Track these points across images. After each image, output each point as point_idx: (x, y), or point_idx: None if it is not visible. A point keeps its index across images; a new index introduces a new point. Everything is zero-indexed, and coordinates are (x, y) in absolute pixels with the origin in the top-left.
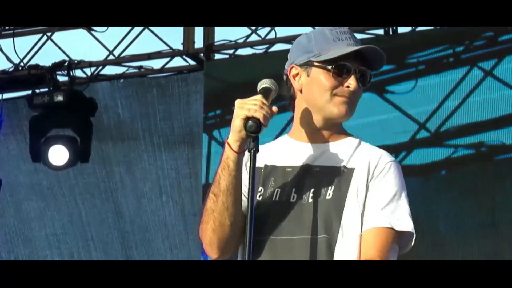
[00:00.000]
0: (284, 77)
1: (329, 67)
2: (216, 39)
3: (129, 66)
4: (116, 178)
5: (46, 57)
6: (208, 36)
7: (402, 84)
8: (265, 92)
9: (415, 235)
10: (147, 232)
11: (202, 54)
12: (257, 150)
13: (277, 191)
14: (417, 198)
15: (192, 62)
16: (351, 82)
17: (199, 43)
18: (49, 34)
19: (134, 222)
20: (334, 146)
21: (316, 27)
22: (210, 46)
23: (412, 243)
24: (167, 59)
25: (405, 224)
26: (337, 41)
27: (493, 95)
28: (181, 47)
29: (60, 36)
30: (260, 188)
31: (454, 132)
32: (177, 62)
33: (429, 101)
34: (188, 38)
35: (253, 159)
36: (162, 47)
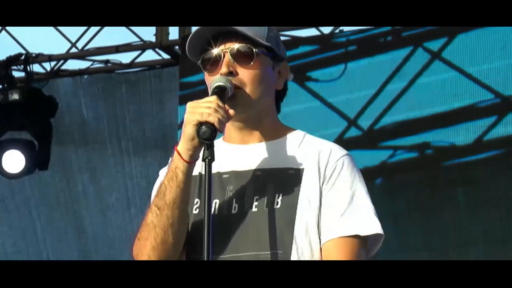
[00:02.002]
0: None
1: (202, 66)
2: (193, 30)
3: (94, 60)
4: (78, 188)
5: (0, 50)
6: (184, 27)
7: (327, 70)
8: (220, 92)
9: (383, 236)
10: (112, 250)
11: (177, 47)
12: (212, 159)
13: (215, 202)
14: None
15: (166, 56)
16: (223, 69)
17: (174, 34)
18: None
19: (98, 238)
20: (274, 144)
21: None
22: (186, 38)
23: (380, 245)
24: (138, 52)
25: (371, 226)
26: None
27: (442, 83)
28: (153, 39)
29: (15, 27)
30: (196, 200)
31: (392, 130)
32: (149, 55)
33: (361, 92)
34: (162, 29)
35: (208, 169)
36: (132, 39)
